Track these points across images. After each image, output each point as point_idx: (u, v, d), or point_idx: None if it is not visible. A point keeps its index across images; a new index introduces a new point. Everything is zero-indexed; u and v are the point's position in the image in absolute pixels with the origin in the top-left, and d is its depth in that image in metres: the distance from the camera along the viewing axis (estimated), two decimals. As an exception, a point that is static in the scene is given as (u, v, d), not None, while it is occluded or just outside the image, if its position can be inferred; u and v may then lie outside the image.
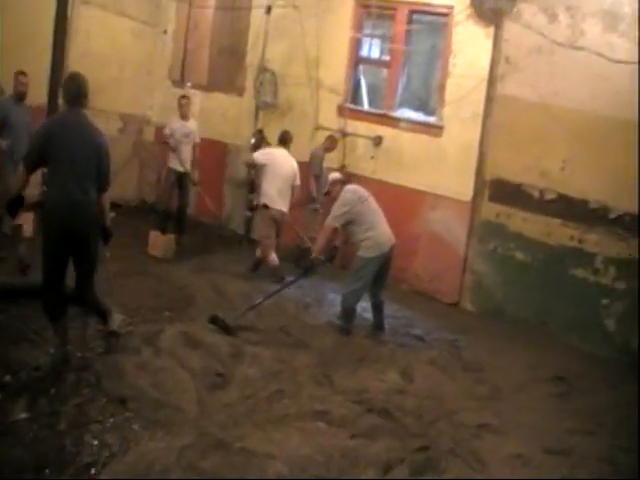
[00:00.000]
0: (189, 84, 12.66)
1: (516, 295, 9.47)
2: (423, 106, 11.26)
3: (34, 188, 6.42)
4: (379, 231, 7.92)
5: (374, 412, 5.91)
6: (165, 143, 10.85)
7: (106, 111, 11.52)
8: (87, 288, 6.01)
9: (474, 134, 9.71)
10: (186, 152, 10.75)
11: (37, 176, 6.00)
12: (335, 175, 8.67)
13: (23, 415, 5.00)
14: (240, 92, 12.17)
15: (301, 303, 8.81)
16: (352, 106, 10.92)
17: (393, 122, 10.49)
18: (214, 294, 8.54)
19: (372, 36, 11.47)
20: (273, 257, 9.57)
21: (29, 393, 5.32)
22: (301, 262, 10.08)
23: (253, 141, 11.11)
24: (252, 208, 11.52)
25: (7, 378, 5.50)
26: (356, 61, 11.11)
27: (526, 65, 9.24)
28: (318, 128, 11.10)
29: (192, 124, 10.92)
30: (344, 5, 10.82)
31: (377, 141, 10.53)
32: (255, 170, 10.64)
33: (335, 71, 10.99)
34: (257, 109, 11.56)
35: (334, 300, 8.86)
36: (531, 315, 9.29)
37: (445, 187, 9.93)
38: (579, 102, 8.83)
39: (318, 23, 10.86)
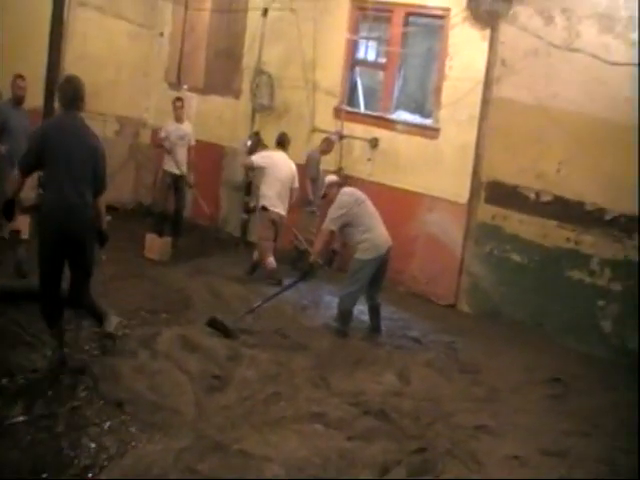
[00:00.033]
0: (185, 87, 12.69)
1: (512, 297, 9.49)
2: (419, 108, 11.28)
3: (30, 191, 6.43)
4: (376, 233, 7.94)
5: (371, 414, 5.91)
6: (160, 146, 10.86)
7: (102, 113, 11.52)
8: (83, 292, 6.00)
9: (470, 136, 9.72)
10: (181, 154, 10.77)
11: (33, 179, 5.99)
12: (332, 178, 8.68)
13: (21, 418, 5.00)
14: (236, 95, 12.17)
15: (298, 305, 8.81)
16: (348, 108, 10.91)
17: (389, 124, 10.49)
18: (211, 297, 8.53)
19: (368, 38, 11.49)
20: (271, 260, 9.57)
21: (26, 396, 5.32)
22: (298, 264, 10.12)
23: (249, 144, 11.12)
24: (248, 211, 11.54)
25: (4, 381, 5.50)
26: (352, 63, 11.11)
27: (522, 67, 9.26)
28: (314, 130, 11.11)
29: (187, 126, 10.94)
30: (340, 8, 10.83)
31: (373, 143, 10.54)
32: (253, 173, 10.63)
33: (331, 73, 10.99)
34: (253, 112, 11.56)
35: (331, 302, 8.86)
36: (527, 317, 9.31)
37: (441, 189, 9.94)
38: (575, 104, 8.85)
39: (314, 26, 10.88)
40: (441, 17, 10.03)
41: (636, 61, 8.38)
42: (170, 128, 10.78)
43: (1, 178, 7.58)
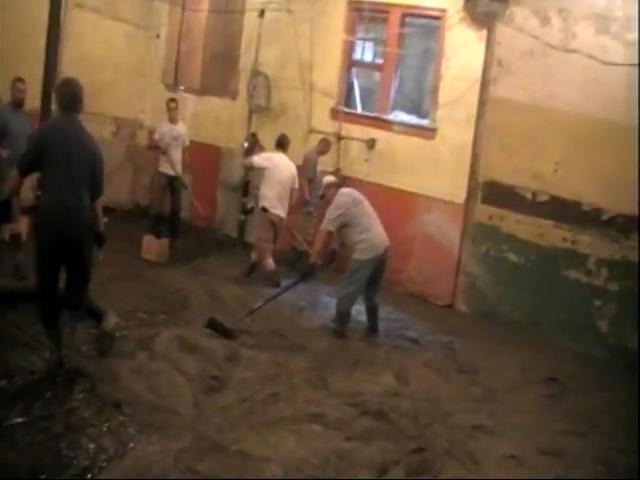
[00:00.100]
0: (182, 88, 12.69)
1: (509, 297, 9.51)
2: (416, 109, 11.31)
3: (30, 192, 6.43)
4: (373, 233, 7.95)
5: (369, 414, 5.93)
6: (155, 147, 10.84)
7: (99, 115, 11.52)
8: (79, 295, 5.98)
9: (467, 136, 9.74)
10: (176, 155, 10.76)
11: (33, 179, 5.99)
12: (329, 178, 8.69)
13: (19, 419, 5.00)
14: (233, 96, 12.17)
15: (296, 306, 8.81)
16: (345, 109, 10.92)
17: (386, 125, 10.51)
18: (209, 298, 8.54)
19: (365, 39, 11.50)
20: (270, 261, 9.58)
21: (25, 397, 5.32)
22: (297, 265, 10.14)
23: (246, 145, 11.12)
24: (246, 212, 11.55)
25: (3, 383, 5.50)
26: (349, 64, 11.12)
27: (519, 68, 9.28)
28: (311, 131, 11.12)
29: (181, 127, 10.93)
30: (337, 9, 10.84)
31: (371, 144, 10.55)
32: (252, 173, 10.62)
33: (328, 74, 11.01)
34: (250, 113, 11.56)
35: (329, 303, 8.87)
36: (524, 316, 9.33)
37: (438, 189, 9.96)
38: (572, 105, 8.87)
39: (311, 27, 10.89)
40: (438, 18, 10.04)
41: (632, 61, 8.39)
42: (164, 129, 10.78)
43: (2, 179, 7.58)
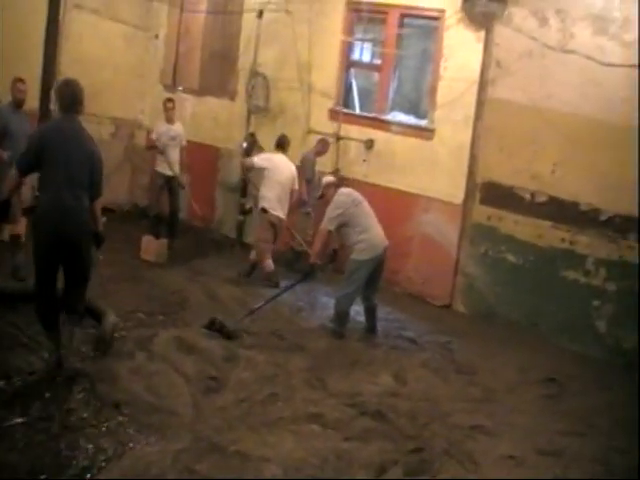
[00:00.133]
0: (181, 88, 12.70)
1: (508, 297, 9.51)
2: (414, 109, 11.31)
3: (29, 193, 6.44)
4: (372, 233, 7.97)
5: (368, 415, 5.94)
6: (153, 147, 10.83)
7: (98, 115, 11.51)
8: (77, 296, 5.97)
9: (465, 137, 9.75)
10: (173, 155, 10.76)
11: (32, 180, 6.00)
12: (329, 178, 8.71)
13: (18, 420, 5.01)
14: (232, 96, 12.17)
15: (295, 307, 8.83)
16: (344, 110, 10.92)
17: (385, 125, 10.51)
18: (207, 299, 8.55)
19: (363, 40, 11.51)
20: (269, 262, 9.58)
21: (24, 398, 5.33)
22: (295, 266, 10.15)
23: (245, 145, 11.12)
24: (244, 212, 11.55)
25: (2, 383, 5.51)
26: (347, 65, 11.11)
27: (517, 69, 9.29)
28: (310, 132, 11.12)
29: (178, 127, 10.92)
30: (335, 9, 10.84)
31: (369, 144, 10.54)
32: (251, 173, 10.61)
33: (327, 75, 11.01)
34: (249, 113, 11.55)
35: (327, 303, 8.88)
36: (522, 317, 9.34)
37: (437, 190, 9.97)
38: (570, 105, 8.88)
39: (309, 27, 10.89)
40: (436, 18, 10.05)
41: (630, 62, 8.41)
42: (161, 129, 10.78)
43: (2, 180, 7.59)
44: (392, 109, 10.81)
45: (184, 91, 12.67)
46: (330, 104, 11.00)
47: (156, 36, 13.05)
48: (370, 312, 8.28)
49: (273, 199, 9.53)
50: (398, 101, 11.23)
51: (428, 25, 10.60)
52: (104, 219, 6.21)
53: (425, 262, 10.15)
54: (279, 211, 9.56)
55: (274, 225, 9.58)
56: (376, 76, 11.29)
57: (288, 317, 8.42)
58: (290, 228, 10.32)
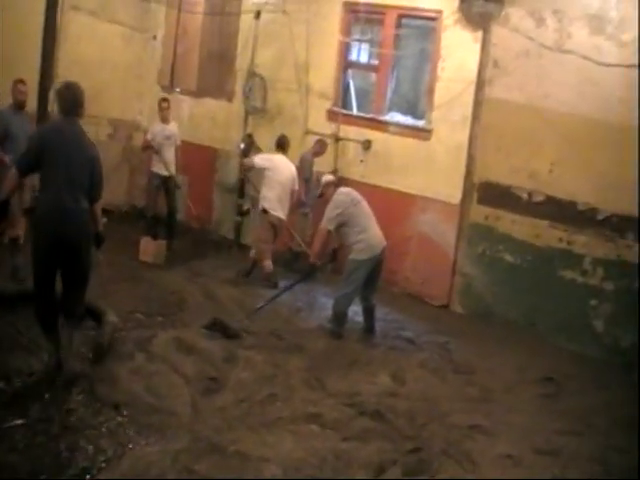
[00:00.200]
0: (178, 89, 12.71)
1: (505, 297, 9.53)
2: (412, 110, 11.33)
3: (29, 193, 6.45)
4: (371, 234, 7.99)
5: (366, 415, 5.96)
6: (149, 147, 10.80)
7: (96, 117, 11.46)
8: (76, 299, 5.96)
9: (463, 137, 9.76)
10: (169, 155, 10.77)
11: (32, 180, 6.01)
12: (328, 177, 8.72)
13: (18, 421, 5.03)
14: (229, 97, 12.18)
15: (293, 307, 8.84)
16: (342, 110, 10.92)
17: (382, 126, 10.51)
18: (206, 299, 8.56)
19: (361, 41, 11.52)
20: (268, 262, 9.59)
21: (24, 399, 5.35)
22: (294, 266, 10.16)
23: (243, 146, 11.11)
24: (242, 213, 11.55)
25: (1, 384, 5.53)
26: (345, 65, 11.12)
27: (514, 69, 9.30)
28: (307, 132, 11.13)
29: (173, 127, 10.93)
30: (333, 10, 10.84)
31: (366, 145, 10.55)
32: (251, 173, 10.61)
33: (324, 76, 11.01)
34: (246, 114, 11.55)
35: (325, 304, 8.89)
36: (520, 317, 9.35)
37: (434, 190, 9.98)
38: (567, 105, 8.90)
39: (307, 28, 10.89)
40: (433, 19, 10.05)
41: (627, 62, 8.42)
42: (156, 129, 10.80)
43: (2, 181, 7.60)
44: (390, 110, 10.82)
45: (182, 92, 12.68)
46: (328, 105, 11.01)
47: (154, 37, 13.05)
48: (368, 312, 8.30)
49: (274, 199, 9.54)
50: (396, 101, 11.25)
51: (425, 26, 10.62)
52: (104, 220, 6.23)
53: (423, 262, 10.16)
54: (279, 212, 9.57)
55: (274, 226, 9.59)
56: (374, 77, 11.29)
57: (287, 317, 8.44)
58: (289, 228, 10.32)
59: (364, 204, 8.15)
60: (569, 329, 8.92)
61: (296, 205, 10.11)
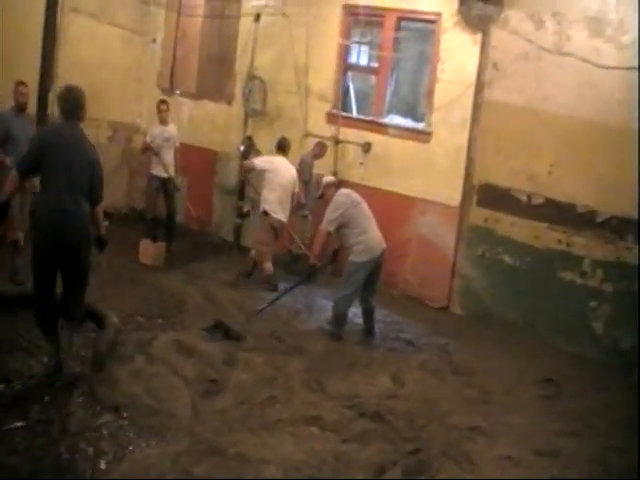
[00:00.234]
0: (178, 92, 12.73)
1: (505, 299, 9.54)
2: (412, 112, 11.33)
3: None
4: (370, 235, 7.99)
5: (366, 416, 5.97)
6: (148, 149, 10.77)
7: (95, 119, 11.45)
8: (76, 301, 5.97)
9: (462, 139, 9.77)
10: (168, 157, 10.77)
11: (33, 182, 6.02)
12: (329, 178, 8.74)
13: (18, 423, 5.03)
14: (229, 100, 12.18)
15: (293, 309, 8.84)
16: (341, 113, 10.93)
17: (382, 128, 10.52)
18: (205, 302, 8.56)
19: (360, 43, 11.53)
20: (269, 265, 9.59)
21: (24, 401, 5.36)
22: (293, 268, 10.16)
23: (242, 148, 11.12)
24: (242, 215, 11.55)
25: (1, 387, 5.53)
26: (345, 68, 11.12)
27: (513, 71, 9.32)
28: (307, 135, 11.14)
29: (172, 128, 10.94)
30: (333, 13, 10.85)
31: (366, 147, 10.55)
32: (251, 175, 10.61)
33: (324, 78, 11.02)
34: (246, 116, 11.55)
35: (325, 306, 8.90)
36: (520, 318, 9.36)
37: (434, 192, 9.99)
38: (566, 107, 8.92)
39: (307, 31, 10.91)
40: (433, 22, 10.06)
41: (626, 64, 8.44)
42: (155, 131, 10.80)
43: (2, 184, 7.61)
44: (389, 112, 10.82)
45: (181, 94, 12.69)
46: (327, 107, 11.02)
47: (153, 40, 13.05)
48: (368, 314, 8.31)
49: (275, 202, 9.54)
50: (395, 104, 11.25)
51: (425, 28, 10.62)
52: (106, 223, 6.24)
53: (422, 264, 10.17)
54: (280, 214, 9.57)
55: (275, 228, 9.59)
56: (373, 79, 11.31)
57: (286, 319, 8.44)
58: (289, 231, 10.33)
59: (364, 206, 8.16)
60: (568, 331, 8.93)
61: (296, 207, 10.10)
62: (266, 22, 11.27)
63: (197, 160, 11.88)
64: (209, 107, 12.47)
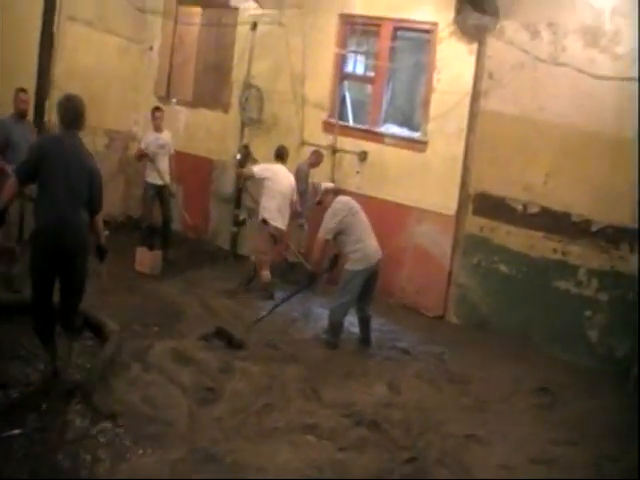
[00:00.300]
0: (174, 100, 12.74)
1: (500, 307, 9.55)
2: (407, 121, 11.35)
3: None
4: (367, 243, 8.01)
5: (362, 425, 5.98)
6: (144, 156, 10.73)
7: (92, 127, 11.45)
8: (73, 308, 5.99)
9: (458, 149, 9.80)
10: (163, 164, 10.75)
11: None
12: (328, 185, 8.76)
13: (16, 431, 5.03)
14: (225, 108, 12.20)
15: (289, 317, 8.83)
16: (338, 121, 10.95)
17: (378, 137, 10.56)
18: (202, 310, 8.57)
19: (357, 52, 11.57)
20: (266, 273, 9.58)
21: (21, 409, 5.36)
22: (290, 276, 10.16)
23: (239, 157, 11.12)
24: (238, 223, 11.56)
25: (-1, 395, 5.55)
26: (341, 77, 11.14)
27: (509, 81, 9.36)
28: (303, 144, 11.16)
29: (166, 135, 10.92)
30: (329, 22, 10.88)
31: (362, 156, 10.58)
32: (249, 182, 10.62)
33: (320, 87, 11.05)
34: (242, 125, 11.58)
35: (321, 314, 8.91)
36: (515, 327, 9.36)
37: (430, 201, 10.01)
38: (561, 117, 8.96)
39: (303, 40, 10.94)
40: (429, 31, 10.11)
41: (621, 75, 8.48)
42: (149, 138, 10.78)
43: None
44: (385, 121, 10.85)
45: (178, 103, 12.71)
46: (324, 116, 11.05)
47: (150, 48, 13.05)
48: (364, 323, 8.32)
49: (274, 209, 9.54)
50: (391, 113, 11.28)
51: (421, 38, 10.65)
52: (107, 232, 6.25)
53: (418, 273, 10.18)
54: (279, 222, 9.57)
55: (273, 236, 9.59)
56: (369, 88, 11.35)
57: (282, 328, 8.44)
58: (286, 239, 10.33)
59: (362, 214, 8.17)
60: (564, 339, 8.95)
61: (292, 216, 10.11)
62: (263, 31, 11.31)
63: (193, 168, 11.90)
64: (206, 115, 12.49)
